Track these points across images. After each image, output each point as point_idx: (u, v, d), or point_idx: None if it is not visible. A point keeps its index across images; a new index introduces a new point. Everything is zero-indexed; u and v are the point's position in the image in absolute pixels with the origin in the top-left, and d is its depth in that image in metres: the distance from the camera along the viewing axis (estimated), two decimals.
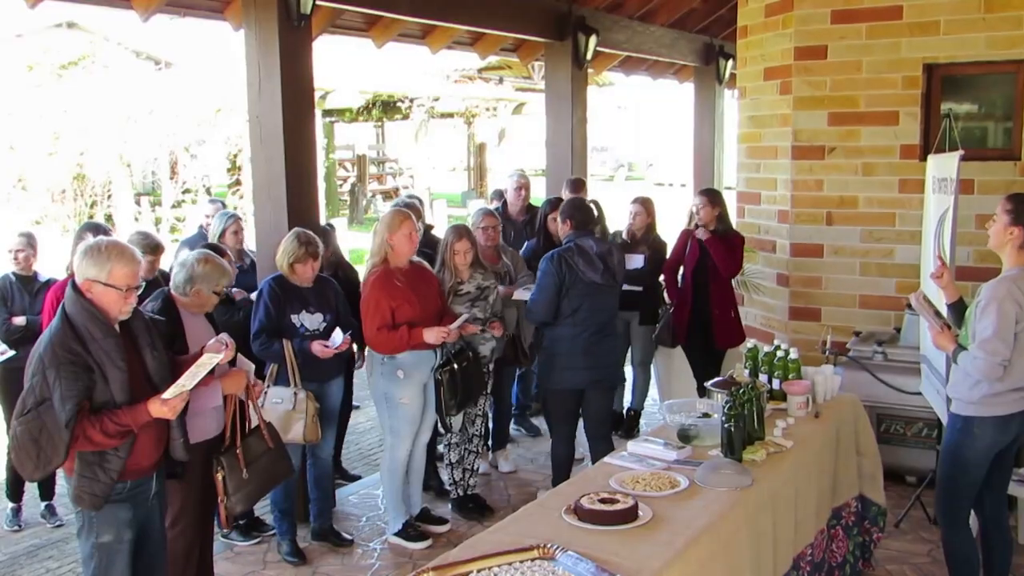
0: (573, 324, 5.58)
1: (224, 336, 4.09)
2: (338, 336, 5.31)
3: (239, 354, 4.42)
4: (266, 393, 5.06)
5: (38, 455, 3.51)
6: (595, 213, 5.85)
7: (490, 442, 6.89)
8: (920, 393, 5.72)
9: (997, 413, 4.26)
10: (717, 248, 6.75)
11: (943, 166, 5.42)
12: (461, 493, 6.16)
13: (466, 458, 6.17)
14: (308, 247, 5.34)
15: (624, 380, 6.43)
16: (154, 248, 5.66)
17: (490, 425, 6.75)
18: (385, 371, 5.50)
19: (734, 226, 7.29)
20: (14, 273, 6.01)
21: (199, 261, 4.49)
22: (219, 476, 4.37)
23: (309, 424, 5.09)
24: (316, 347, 5.27)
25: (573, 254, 5.55)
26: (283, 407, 5.09)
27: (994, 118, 7.02)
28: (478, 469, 6.32)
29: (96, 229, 5.79)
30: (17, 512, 6.20)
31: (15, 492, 6.18)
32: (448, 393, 5.62)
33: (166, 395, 3.61)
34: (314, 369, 5.34)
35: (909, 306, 5.89)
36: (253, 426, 4.56)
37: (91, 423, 3.52)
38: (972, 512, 4.62)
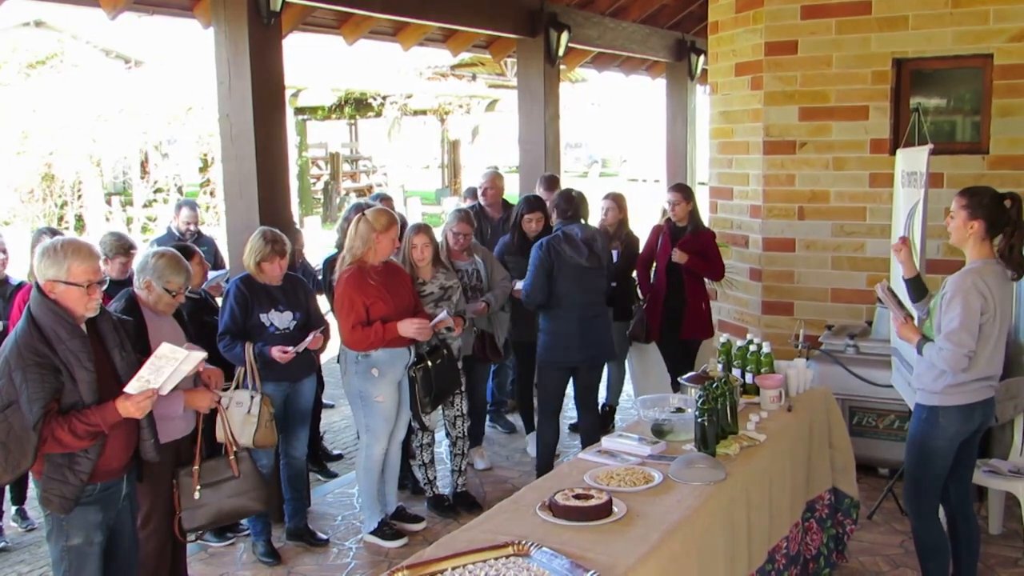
0: (566, 306, 6.02)
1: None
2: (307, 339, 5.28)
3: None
4: (231, 396, 5.01)
5: (6, 458, 3.48)
6: (579, 203, 6.20)
7: None
8: (891, 386, 5.76)
9: (961, 402, 4.30)
10: (700, 266, 6.92)
11: (912, 160, 5.46)
12: (436, 492, 6.15)
13: (453, 460, 6.21)
14: (274, 245, 5.29)
15: (615, 356, 6.67)
16: (127, 249, 5.61)
17: None
18: (360, 370, 5.48)
19: (706, 222, 7.33)
20: None
21: (156, 254, 4.45)
22: (175, 490, 4.40)
23: (262, 429, 5.00)
24: (275, 352, 5.21)
25: (560, 241, 6.00)
26: (242, 410, 5.04)
27: (962, 112, 7.09)
28: (465, 469, 6.31)
29: (51, 233, 5.71)
30: None
31: None
32: (422, 390, 5.60)
33: (128, 389, 3.58)
34: (285, 368, 5.29)
35: (880, 299, 5.94)
36: (236, 446, 4.60)
37: (59, 424, 3.48)
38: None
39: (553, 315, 6.09)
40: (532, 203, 6.87)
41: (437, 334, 5.70)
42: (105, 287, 3.75)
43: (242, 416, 4.98)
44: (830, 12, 7.09)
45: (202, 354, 3.82)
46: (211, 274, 6.29)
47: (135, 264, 4.54)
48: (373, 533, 5.68)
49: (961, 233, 4.29)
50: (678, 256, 6.80)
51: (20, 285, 5.80)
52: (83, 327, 3.64)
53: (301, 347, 5.26)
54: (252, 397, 5.03)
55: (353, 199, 24.75)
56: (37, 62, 18.58)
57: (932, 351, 4.23)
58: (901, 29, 6.89)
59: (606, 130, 43.28)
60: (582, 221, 6.18)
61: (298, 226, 7.22)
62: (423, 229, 5.89)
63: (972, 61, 6.78)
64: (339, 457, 7.38)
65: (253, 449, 4.91)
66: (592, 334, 6.10)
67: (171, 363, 3.68)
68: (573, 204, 6.16)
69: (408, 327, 5.35)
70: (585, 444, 5.96)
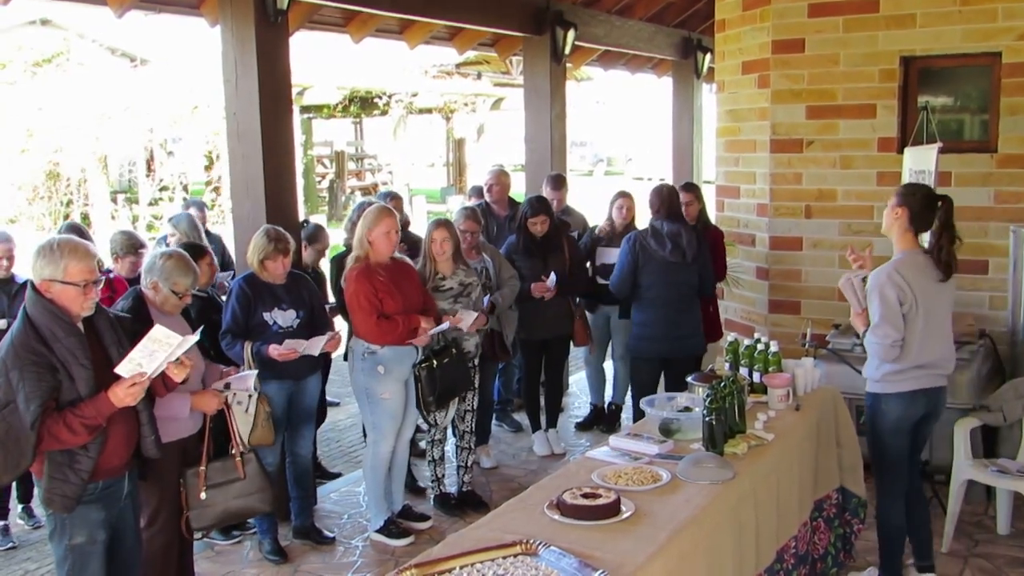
0: (651, 299, 6.31)
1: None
2: (318, 342, 5.27)
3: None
4: (234, 394, 5.00)
5: (5, 458, 3.48)
6: (671, 199, 6.42)
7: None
8: None
9: (901, 390, 4.55)
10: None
11: (920, 159, 5.45)
12: (443, 490, 6.14)
13: (459, 455, 6.21)
14: (278, 243, 5.28)
15: (705, 350, 6.70)
16: (137, 248, 5.59)
17: None
18: (366, 367, 5.47)
19: (712, 220, 7.31)
20: None
21: (163, 255, 4.44)
22: (182, 489, 4.41)
23: (258, 428, 4.96)
24: (272, 351, 5.19)
25: (647, 235, 6.34)
26: (241, 408, 5.02)
27: (970, 110, 7.05)
28: (472, 466, 6.30)
29: (72, 229, 5.70)
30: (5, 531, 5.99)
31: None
32: (426, 389, 5.59)
33: (119, 370, 3.55)
34: (289, 366, 5.27)
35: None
36: (243, 446, 4.61)
37: (54, 421, 3.48)
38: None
39: (640, 307, 6.40)
40: (536, 206, 6.86)
41: (445, 334, 5.70)
42: (100, 285, 3.74)
43: (241, 414, 4.98)
44: (837, 10, 7.06)
45: (194, 337, 3.80)
46: (218, 275, 6.29)
47: (143, 264, 4.53)
48: (379, 531, 5.68)
49: (889, 219, 4.57)
50: None
51: (26, 284, 5.75)
52: (79, 325, 3.63)
53: (306, 350, 5.24)
54: (250, 396, 5.02)
55: (358, 197, 24.84)
56: (43, 60, 18.57)
57: (869, 343, 4.51)
58: (909, 27, 6.86)
59: (611, 128, 43.22)
60: (675, 216, 6.35)
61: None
62: (444, 224, 5.94)
63: (980, 59, 6.75)
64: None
65: (257, 448, 4.90)
66: (680, 327, 6.30)
67: (164, 348, 3.64)
68: (663, 200, 6.39)
69: (427, 330, 5.44)
70: None
